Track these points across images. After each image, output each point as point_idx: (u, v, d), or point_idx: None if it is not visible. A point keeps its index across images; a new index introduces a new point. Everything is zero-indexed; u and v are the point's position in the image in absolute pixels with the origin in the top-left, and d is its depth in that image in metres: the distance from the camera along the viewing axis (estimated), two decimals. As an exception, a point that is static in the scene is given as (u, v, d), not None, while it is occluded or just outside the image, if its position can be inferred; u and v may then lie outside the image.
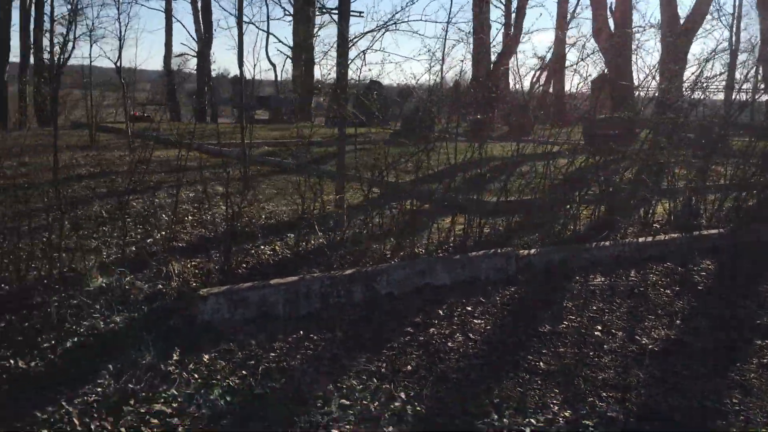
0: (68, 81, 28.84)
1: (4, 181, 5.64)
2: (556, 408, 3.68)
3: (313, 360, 4.11)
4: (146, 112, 22.29)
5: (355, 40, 7.89)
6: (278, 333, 4.37)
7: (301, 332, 4.41)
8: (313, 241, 6.13)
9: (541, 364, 4.19)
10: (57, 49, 24.02)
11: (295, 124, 23.22)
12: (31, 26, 22.46)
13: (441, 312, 4.90)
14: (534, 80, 23.48)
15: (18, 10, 23.36)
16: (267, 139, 18.33)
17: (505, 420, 3.53)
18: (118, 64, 23.13)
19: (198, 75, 26.92)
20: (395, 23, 19.01)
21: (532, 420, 3.55)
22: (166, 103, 24.40)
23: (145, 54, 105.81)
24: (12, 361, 3.85)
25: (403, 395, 3.74)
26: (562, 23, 24.43)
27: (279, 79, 33.75)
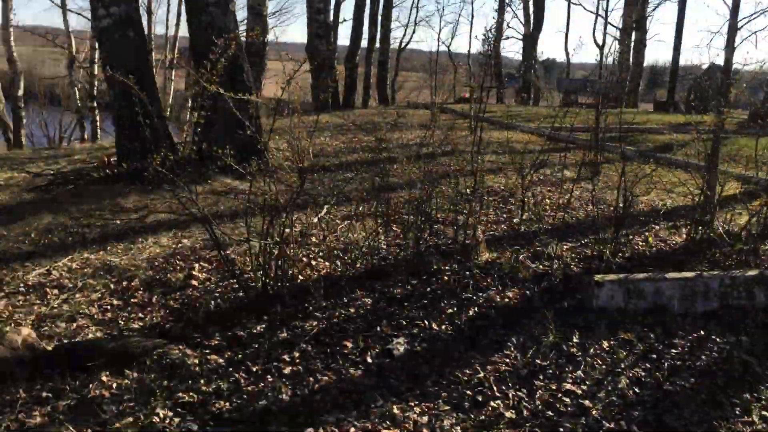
0: (403, 64, 31.20)
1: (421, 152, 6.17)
2: None
3: (718, 363, 3.86)
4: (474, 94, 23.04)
5: (753, 16, 7.02)
6: (676, 329, 4.19)
7: (701, 331, 4.17)
8: (684, 235, 5.82)
9: None
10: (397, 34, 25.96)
11: (619, 109, 22.26)
12: (379, 12, 24.44)
13: None
14: None
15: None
16: (589, 123, 17.79)
17: None
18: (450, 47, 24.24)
19: (523, 58, 27.14)
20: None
21: None
22: (493, 86, 25.05)
23: (461, 37, 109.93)
24: (426, 322, 4.23)
25: (840, 420, 3.33)
26: None
27: (604, 62, 32.51)
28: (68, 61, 26.59)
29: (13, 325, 4.21)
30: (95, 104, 26.63)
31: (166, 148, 4.65)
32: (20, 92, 20.92)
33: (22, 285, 4.91)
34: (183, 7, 29.29)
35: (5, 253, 5.65)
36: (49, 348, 3.85)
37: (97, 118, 26.89)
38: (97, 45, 25.90)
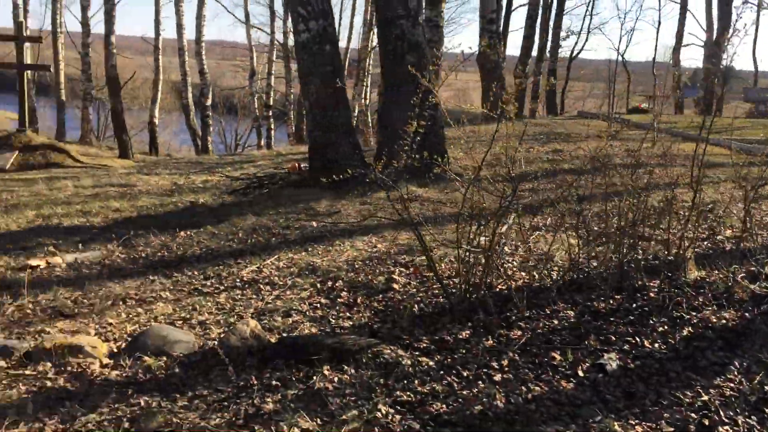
0: (571, 73, 30.53)
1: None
2: None
3: None
4: (648, 104, 22.10)
5: None
6: None
7: None
8: None
9: None
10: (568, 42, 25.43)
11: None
12: (551, 20, 24.00)
13: None
14: None
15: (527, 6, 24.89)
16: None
17: None
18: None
19: (706, 66, 25.50)
20: None
21: None
22: (670, 96, 23.88)
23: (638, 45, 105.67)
24: (636, 339, 4.08)
25: None
26: None
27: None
28: (249, 73, 28.43)
29: (236, 317, 4.57)
30: (270, 113, 28.27)
31: (386, 155, 4.82)
32: (209, 102, 22.68)
33: (238, 280, 5.32)
34: (355, 21, 30.45)
35: (218, 251, 6.15)
36: (272, 340, 4.14)
37: (272, 126, 28.54)
38: (272, 58, 27.52)
